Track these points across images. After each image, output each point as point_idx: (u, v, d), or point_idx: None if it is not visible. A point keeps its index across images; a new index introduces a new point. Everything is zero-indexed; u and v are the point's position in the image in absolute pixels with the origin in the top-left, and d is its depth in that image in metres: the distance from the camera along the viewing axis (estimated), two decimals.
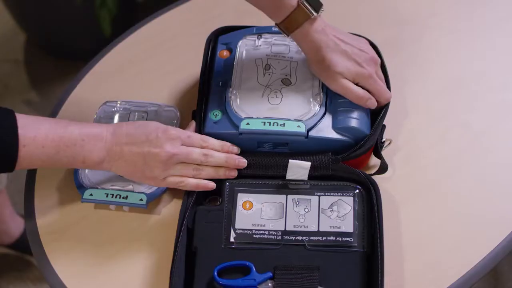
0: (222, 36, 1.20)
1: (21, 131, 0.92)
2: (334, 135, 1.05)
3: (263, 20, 1.16)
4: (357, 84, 1.07)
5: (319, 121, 1.06)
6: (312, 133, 1.04)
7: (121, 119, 1.16)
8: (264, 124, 1.04)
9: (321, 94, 1.08)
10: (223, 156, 1.04)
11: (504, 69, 1.30)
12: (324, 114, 1.07)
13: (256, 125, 1.04)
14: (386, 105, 1.10)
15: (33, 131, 0.94)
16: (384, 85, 1.09)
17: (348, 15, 1.37)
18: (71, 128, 0.97)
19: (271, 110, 1.07)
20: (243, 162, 1.05)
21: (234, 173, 1.05)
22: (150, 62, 1.33)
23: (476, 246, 1.04)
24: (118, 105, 1.18)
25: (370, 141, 1.06)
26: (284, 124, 1.04)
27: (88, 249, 1.05)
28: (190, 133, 1.04)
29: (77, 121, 1.01)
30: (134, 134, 1.00)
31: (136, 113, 1.17)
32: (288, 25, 1.05)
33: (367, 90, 1.08)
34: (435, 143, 1.17)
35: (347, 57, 1.06)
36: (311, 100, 1.08)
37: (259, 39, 1.17)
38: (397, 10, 1.42)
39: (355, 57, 1.07)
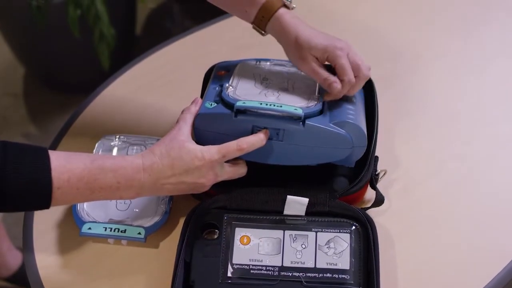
0: (220, 63, 1.19)
1: (54, 173, 0.91)
2: (331, 127, 1.02)
3: (259, 54, 1.18)
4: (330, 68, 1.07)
5: (316, 115, 1.04)
6: (310, 121, 1.01)
7: (119, 153, 1.16)
8: (261, 104, 1.02)
9: (317, 95, 1.07)
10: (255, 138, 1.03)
11: (499, 102, 1.32)
12: (321, 112, 1.04)
13: (252, 104, 1.02)
14: (374, 137, 1.10)
15: (67, 173, 0.92)
16: (361, 60, 1.07)
17: None
18: (106, 168, 0.95)
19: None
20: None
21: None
22: (149, 96, 1.34)
23: (472, 279, 1.04)
24: (117, 139, 1.19)
25: (365, 176, 1.07)
26: (281, 106, 1.02)
27: (86, 283, 1.05)
28: (224, 152, 1.01)
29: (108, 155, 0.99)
30: (172, 168, 0.99)
31: (135, 147, 1.18)
32: (265, 13, 1.08)
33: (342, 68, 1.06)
34: (431, 175, 1.18)
35: (322, 34, 1.07)
36: (307, 98, 1.07)
37: (257, 62, 1.17)
38: (392, 44, 1.44)
39: (329, 36, 1.08)
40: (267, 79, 1.12)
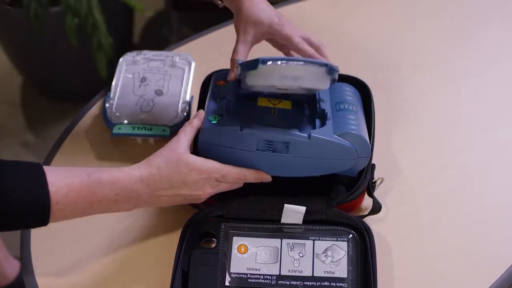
0: (218, 72, 1.19)
1: (51, 188, 0.90)
2: (336, 139, 1.02)
3: None
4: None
5: (320, 127, 1.05)
6: (315, 133, 1.02)
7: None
8: (134, 129, 1.14)
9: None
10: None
11: (497, 108, 1.32)
12: (324, 124, 1.05)
13: (127, 130, 1.13)
14: (371, 145, 1.10)
15: (65, 187, 0.92)
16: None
17: (340, 57, 1.39)
18: (104, 181, 0.95)
19: None
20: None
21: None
22: None
23: (471, 286, 1.05)
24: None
25: (363, 184, 1.08)
26: (151, 128, 1.11)
27: None
28: (225, 174, 1.02)
29: (108, 167, 0.99)
30: (170, 180, 0.99)
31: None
32: None
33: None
34: (429, 183, 1.18)
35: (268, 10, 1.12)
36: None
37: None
38: (389, 50, 1.45)
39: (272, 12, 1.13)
40: (145, 79, 1.29)
